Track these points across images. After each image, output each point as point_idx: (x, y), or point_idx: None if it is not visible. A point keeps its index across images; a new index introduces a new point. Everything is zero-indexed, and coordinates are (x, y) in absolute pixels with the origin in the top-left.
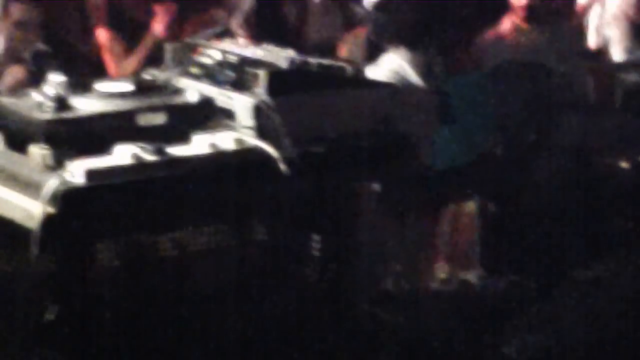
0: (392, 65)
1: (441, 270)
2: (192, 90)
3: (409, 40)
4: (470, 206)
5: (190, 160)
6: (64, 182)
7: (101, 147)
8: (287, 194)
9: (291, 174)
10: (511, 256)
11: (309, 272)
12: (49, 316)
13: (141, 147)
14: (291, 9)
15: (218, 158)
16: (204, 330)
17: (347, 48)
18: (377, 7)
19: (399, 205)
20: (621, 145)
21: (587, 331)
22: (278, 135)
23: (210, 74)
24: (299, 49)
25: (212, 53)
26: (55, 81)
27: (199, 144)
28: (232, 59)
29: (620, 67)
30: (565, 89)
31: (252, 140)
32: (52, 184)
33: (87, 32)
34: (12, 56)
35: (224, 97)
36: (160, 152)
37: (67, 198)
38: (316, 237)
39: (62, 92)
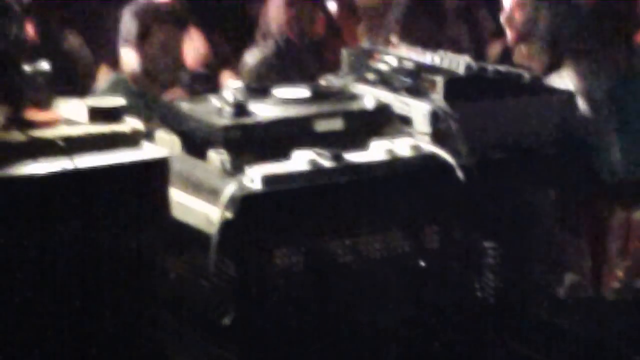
0: (566, 72)
1: (615, 279)
2: (369, 96)
3: (588, 45)
4: None
5: (367, 166)
6: (242, 187)
7: (279, 152)
8: (464, 201)
9: (468, 181)
10: None
11: (485, 281)
12: (226, 321)
13: (318, 153)
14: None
15: (394, 164)
16: (377, 338)
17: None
18: (556, 14)
19: (574, 213)
20: None
21: None
22: (455, 141)
23: (386, 80)
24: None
25: (389, 59)
26: (233, 87)
27: (376, 150)
28: (408, 65)
29: None
30: None
31: (429, 147)
32: (230, 189)
33: None
34: (150, 77)
35: (400, 103)
36: (337, 158)
37: (244, 203)
38: (492, 244)
39: (240, 97)
